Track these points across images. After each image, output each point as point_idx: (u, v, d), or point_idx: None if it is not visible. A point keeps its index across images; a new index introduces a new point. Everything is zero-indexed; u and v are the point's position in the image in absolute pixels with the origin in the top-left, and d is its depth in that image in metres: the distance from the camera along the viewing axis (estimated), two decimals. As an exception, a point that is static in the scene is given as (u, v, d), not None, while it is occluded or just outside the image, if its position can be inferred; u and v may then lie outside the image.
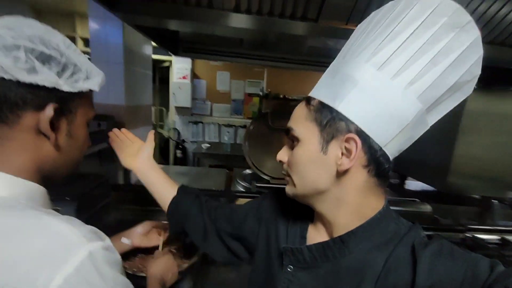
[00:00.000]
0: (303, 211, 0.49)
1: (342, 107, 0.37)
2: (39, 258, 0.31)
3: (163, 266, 0.71)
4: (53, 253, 0.32)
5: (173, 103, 3.46)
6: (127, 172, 1.51)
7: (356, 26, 0.44)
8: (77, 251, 0.33)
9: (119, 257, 0.39)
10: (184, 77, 3.34)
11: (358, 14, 0.96)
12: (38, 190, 0.41)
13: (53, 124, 0.40)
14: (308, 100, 0.42)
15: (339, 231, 0.42)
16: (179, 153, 3.51)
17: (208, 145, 3.35)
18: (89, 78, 0.44)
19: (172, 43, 1.82)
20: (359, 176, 0.39)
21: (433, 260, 0.35)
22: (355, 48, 0.39)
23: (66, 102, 0.41)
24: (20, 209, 0.35)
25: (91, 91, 0.45)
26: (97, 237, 0.37)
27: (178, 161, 3.50)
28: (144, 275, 0.69)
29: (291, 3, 1.02)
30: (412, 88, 0.35)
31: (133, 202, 1.27)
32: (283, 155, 0.47)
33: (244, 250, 0.62)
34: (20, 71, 0.35)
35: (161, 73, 3.72)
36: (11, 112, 0.36)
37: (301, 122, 0.42)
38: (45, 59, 0.38)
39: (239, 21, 1.07)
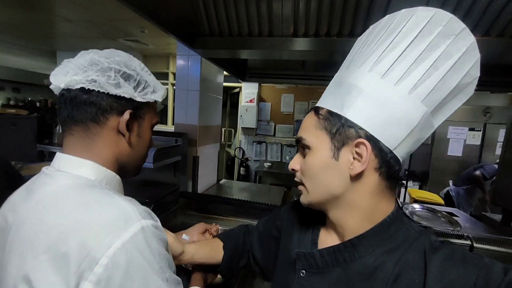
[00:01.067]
0: (315, 218, 0.50)
1: (350, 114, 0.38)
2: (107, 224, 0.40)
3: (192, 229, 0.80)
4: (117, 222, 0.40)
5: (240, 124, 3.77)
6: (195, 183, 1.70)
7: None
8: (133, 223, 0.41)
9: (165, 236, 0.46)
10: (251, 101, 3.63)
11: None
12: (115, 178, 0.53)
13: (128, 126, 0.51)
14: (316, 110, 0.43)
15: (350, 234, 0.42)
16: (242, 171, 3.73)
17: (269, 164, 3.45)
18: (155, 92, 0.55)
19: (240, 71, 2.04)
20: (372, 179, 0.39)
21: (444, 265, 0.35)
22: (357, 59, 0.41)
23: (138, 110, 0.53)
24: (100, 188, 0.47)
25: (156, 101, 0.57)
26: (150, 216, 0.45)
27: (241, 178, 3.72)
28: (190, 269, 0.77)
29: (350, 23, 1.03)
30: (416, 92, 0.37)
31: (196, 209, 1.42)
32: (295, 163, 0.47)
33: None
34: (110, 86, 0.48)
35: (232, 98, 4.15)
36: (102, 115, 0.49)
37: (311, 131, 0.43)
38: (126, 77, 0.50)
39: (298, 44, 1.14)
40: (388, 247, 0.39)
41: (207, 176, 1.97)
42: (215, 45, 1.24)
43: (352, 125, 0.39)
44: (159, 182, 1.56)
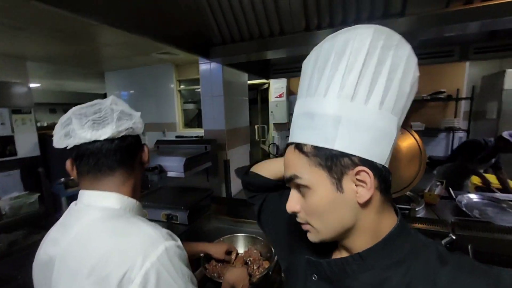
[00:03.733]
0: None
1: (338, 145, 0.38)
2: (137, 249, 0.47)
3: (237, 275, 0.82)
4: (145, 246, 0.47)
5: (271, 120, 3.74)
6: (228, 186, 1.76)
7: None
8: (158, 245, 0.48)
9: (186, 254, 0.53)
10: (280, 95, 3.57)
11: None
12: (136, 204, 0.60)
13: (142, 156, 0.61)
14: (299, 147, 0.42)
15: (358, 250, 0.42)
16: (278, 167, 3.71)
17: (305, 158, 3.36)
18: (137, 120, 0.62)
19: (263, 70, 2.02)
20: (376, 199, 0.40)
21: (453, 275, 0.35)
22: (316, 86, 0.41)
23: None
24: (126, 217, 0.54)
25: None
26: (171, 238, 0.52)
27: (278, 174, 3.70)
28: (220, 281, 0.80)
29: (369, 6, 0.94)
30: (384, 106, 0.38)
31: (228, 213, 1.47)
32: (294, 204, 0.44)
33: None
34: (139, 129, 0.60)
35: (262, 94, 4.13)
36: (136, 154, 0.60)
37: (304, 170, 0.41)
38: (131, 117, 0.60)
39: (311, 38, 1.08)
40: (395, 259, 0.40)
41: (240, 177, 2.02)
42: (229, 52, 1.24)
43: (344, 154, 0.38)
44: (193, 188, 1.65)
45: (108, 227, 0.51)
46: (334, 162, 0.38)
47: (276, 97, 3.58)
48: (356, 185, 0.39)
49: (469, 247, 1.04)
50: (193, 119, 4.60)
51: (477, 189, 2.54)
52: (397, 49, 0.38)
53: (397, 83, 0.38)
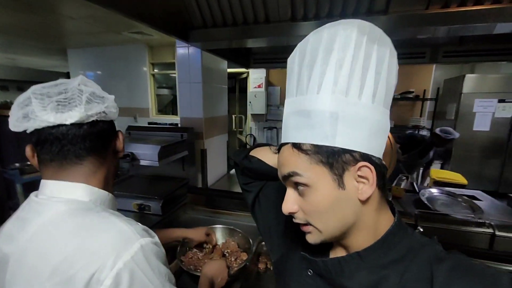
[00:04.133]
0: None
1: (339, 142, 0.38)
2: (108, 247, 0.43)
3: (216, 268, 0.80)
4: (117, 244, 0.43)
5: (249, 111, 3.72)
6: (204, 176, 1.72)
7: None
8: (132, 243, 0.44)
9: (163, 250, 0.49)
10: (259, 86, 3.54)
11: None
12: (108, 196, 0.54)
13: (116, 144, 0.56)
14: (297, 146, 0.40)
15: (355, 249, 0.42)
16: (255, 158, 3.72)
17: (282, 150, 3.41)
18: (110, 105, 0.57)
19: (244, 58, 1.97)
20: (375, 195, 0.40)
21: (450, 276, 0.35)
22: (306, 84, 0.40)
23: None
24: (96, 211, 0.48)
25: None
26: (148, 234, 0.48)
27: (254, 165, 3.72)
28: (198, 274, 0.78)
29: (355, 2, 0.94)
30: (376, 99, 0.39)
31: (205, 204, 1.44)
32: (291, 204, 0.43)
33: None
34: (113, 114, 0.54)
35: (241, 84, 4.06)
36: (109, 141, 0.54)
37: (305, 167, 0.39)
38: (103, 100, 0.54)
39: (299, 29, 1.06)
40: (392, 258, 0.40)
41: (216, 167, 1.98)
42: (211, 37, 1.18)
43: (345, 151, 0.38)
44: (168, 177, 1.58)
45: (75, 222, 0.45)
46: (336, 159, 0.38)
47: (255, 87, 3.55)
48: (357, 182, 0.38)
49: (435, 238, 1.14)
50: (168, 105, 4.39)
51: (435, 184, 2.78)
52: (380, 43, 0.39)
53: (384, 76, 0.39)
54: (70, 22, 2.61)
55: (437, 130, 2.50)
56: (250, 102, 3.64)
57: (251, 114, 3.78)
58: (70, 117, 0.47)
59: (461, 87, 3.14)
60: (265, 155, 0.64)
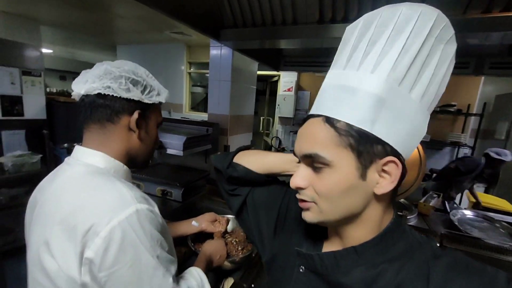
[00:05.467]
0: (317, 229, 0.48)
1: (377, 131, 0.35)
2: (107, 205, 0.48)
3: (214, 246, 0.84)
4: (116, 204, 0.48)
5: (277, 113, 3.73)
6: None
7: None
8: (129, 206, 0.48)
9: (160, 220, 0.53)
10: (289, 89, 3.54)
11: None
12: (122, 168, 0.61)
13: (137, 124, 0.60)
14: (330, 121, 0.37)
15: (353, 243, 0.41)
16: (278, 160, 3.71)
17: (306, 155, 3.36)
18: (160, 94, 0.64)
19: (274, 60, 2.00)
20: (389, 193, 0.38)
21: (447, 273, 0.35)
22: (361, 58, 0.36)
23: (145, 110, 0.61)
24: (106, 176, 0.55)
25: (160, 103, 0.65)
26: (146, 201, 0.52)
27: (277, 168, 3.71)
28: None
29: (385, 3, 0.92)
30: (424, 100, 0.36)
31: (221, 196, 1.49)
32: (301, 179, 0.39)
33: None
34: (122, 91, 0.57)
35: (271, 87, 4.10)
36: (116, 115, 0.58)
37: (330, 148, 0.36)
38: (135, 83, 0.59)
39: (325, 31, 1.06)
40: (390, 256, 0.39)
41: (238, 165, 2.03)
42: (240, 36, 1.23)
43: (379, 141, 0.35)
44: (191, 168, 1.67)
45: (84, 182, 0.53)
46: (366, 148, 0.35)
47: (285, 90, 3.56)
48: (379, 176, 0.36)
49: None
50: (200, 103, 4.59)
51: (474, 207, 2.53)
52: (447, 45, 0.35)
53: (438, 80, 0.36)
54: (120, 20, 2.89)
55: (489, 151, 2.26)
56: (278, 105, 3.66)
57: (279, 117, 3.79)
58: (83, 89, 0.56)
59: (515, 104, 2.83)
60: (251, 162, 0.59)
